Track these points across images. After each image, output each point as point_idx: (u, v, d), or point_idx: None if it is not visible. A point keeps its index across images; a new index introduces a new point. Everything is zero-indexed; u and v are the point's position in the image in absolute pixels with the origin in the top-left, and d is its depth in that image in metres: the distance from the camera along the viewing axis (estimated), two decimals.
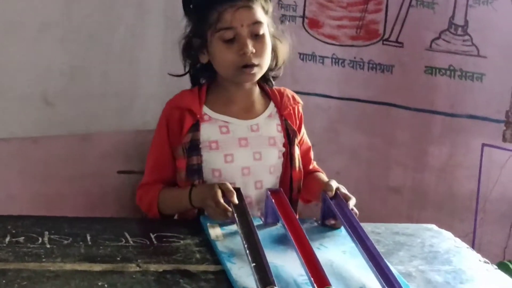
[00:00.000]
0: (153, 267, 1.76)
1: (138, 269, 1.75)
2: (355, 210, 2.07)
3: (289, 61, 2.31)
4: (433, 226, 2.28)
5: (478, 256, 2.04)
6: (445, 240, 2.16)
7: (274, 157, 2.23)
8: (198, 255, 1.86)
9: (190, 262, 1.81)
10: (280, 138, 2.25)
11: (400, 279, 1.73)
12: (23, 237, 1.88)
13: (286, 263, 1.80)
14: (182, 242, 1.94)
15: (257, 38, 2.15)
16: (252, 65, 2.13)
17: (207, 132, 2.19)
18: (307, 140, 2.39)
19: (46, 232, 1.92)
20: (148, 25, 4.31)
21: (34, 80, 3.98)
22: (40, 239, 1.88)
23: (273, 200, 2.07)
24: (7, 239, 1.86)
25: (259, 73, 2.18)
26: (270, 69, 2.25)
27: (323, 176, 2.34)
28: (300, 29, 4.26)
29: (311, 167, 2.37)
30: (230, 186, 2.05)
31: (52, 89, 4.04)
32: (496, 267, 1.97)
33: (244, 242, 1.81)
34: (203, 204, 2.09)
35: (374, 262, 1.76)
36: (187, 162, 2.18)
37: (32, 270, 1.69)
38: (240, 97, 2.24)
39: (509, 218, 4.09)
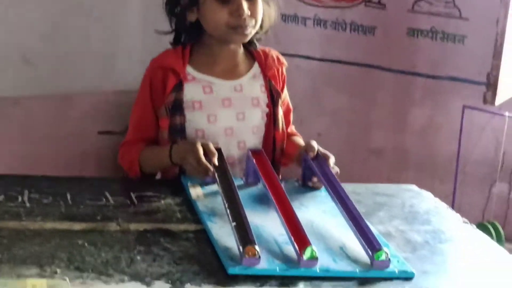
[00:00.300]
0: (133, 226, 1.76)
1: (118, 228, 1.75)
2: (336, 168, 2.08)
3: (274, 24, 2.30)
4: (413, 187, 2.29)
5: (458, 216, 2.05)
6: (425, 201, 2.17)
7: (257, 118, 2.23)
8: (178, 215, 1.86)
9: (170, 221, 1.81)
10: (263, 98, 2.24)
11: (380, 238, 1.74)
12: (2, 196, 1.87)
13: (267, 222, 1.80)
14: (162, 201, 1.94)
15: (251, 0, 2.14)
16: (246, 25, 2.13)
17: (190, 92, 2.18)
18: (289, 103, 2.38)
19: (26, 191, 1.92)
20: None
21: (13, 40, 3.94)
22: (20, 198, 1.87)
23: (254, 160, 2.07)
24: None
25: (251, 33, 2.17)
26: (256, 32, 2.23)
27: (300, 140, 2.33)
28: None
29: (289, 130, 2.37)
30: (212, 146, 2.04)
31: (32, 49, 4.01)
32: (475, 227, 1.98)
33: (225, 201, 1.82)
34: (183, 161, 2.08)
35: (354, 222, 1.77)
36: (170, 121, 2.17)
37: (12, 229, 1.69)
38: (224, 57, 2.23)
39: (489, 180, 4.12)
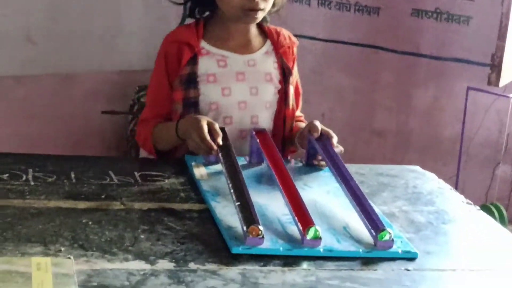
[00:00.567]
0: (137, 205, 1.76)
1: (122, 207, 1.75)
2: (340, 147, 2.08)
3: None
4: (417, 168, 2.29)
5: (461, 197, 2.06)
6: (428, 182, 2.17)
7: (270, 93, 2.24)
8: (182, 194, 1.86)
9: (174, 201, 1.81)
10: (276, 74, 2.26)
11: (383, 219, 1.74)
12: (6, 175, 1.87)
13: (271, 202, 1.80)
14: (166, 181, 1.94)
15: None
16: (259, 9, 2.14)
17: (205, 65, 2.20)
18: (299, 85, 2.39)
19: (30, 170, 1.92)
20: None
21: (16, 19, 3.93)
22: (24, 176, 1.88)
23: (257, 140, 2.07)
24: None
25: (261, 16, 2.20)
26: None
27: (302, 125, 2.32)
28: None
29: (297, 113, 2.37)
30: (217, 126, 2.04)
31: (34, 28, 4.01)
32: (478, 208, 1.99)
33: (229, 181, 1.82)
34: (187, 135, 2.07)
35: (357, 202, 1.77)
36: (184, 94, 2.18)
37: (16, 207, 1.69)
38: (238, 33, 2.24)
39: (492, 162, 4.12)
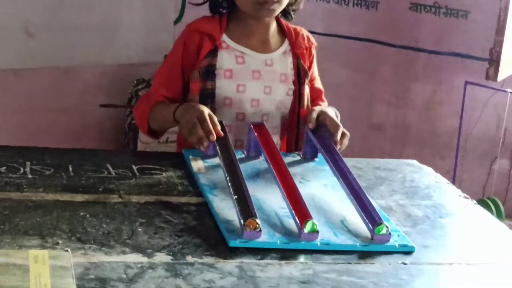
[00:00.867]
0: (135, 198, 1.76)
1: (120, 200, 1.75)
2: (345, 142, 2.09)
3: None
4: (414, 162, 2.29)
5: (458, 191, 2.06)
6: (425, 176, 2.17)
7: (283, 93, 2.25)
8: (180, 187, 1.86)
9: (172, 194, 1.82)
10: (291, 75, 2.26)
11: (381, 212, 1.74)
12: (4, 167, 1.87)
13: (268, 196, 1.80)
14: (164, 174, 1.94)
15: None
16: (272, 1, 2.14)
17: (223, 59, 2.20)
18: (319, 85, 2.39)
19: (28, 163, 1.92)
20: None
21: (16, 13, 3.93)
22: (21, 169, 1.88)
23: (255, 133, 2.07)
24: None
25: (278, 9, 2.19)
26: (289, 4, 2.25)
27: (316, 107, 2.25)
28: None
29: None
30: (216, 118, 2.03)
31: (34, 21, 4.00)
32: (475, 202, 1.99)
33: (226, 175, 1.82)
34: (186, 117, 2.03)
35: (355, 196, 1.77)
36: (202, 85, 2.19)
37: (13, 199, 1.69)
38: (258, 30, 2.25)
39: (490, 156, 4.13)
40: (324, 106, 2.30)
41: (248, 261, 1.52)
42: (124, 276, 1.40)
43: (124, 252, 1.49)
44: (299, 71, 2.27)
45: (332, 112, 2.17)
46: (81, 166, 1.94)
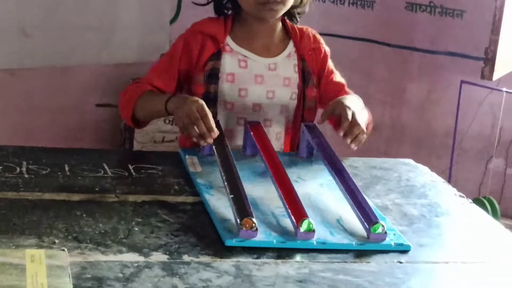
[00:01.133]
0: (131, 198, 1.76)
1: (116, 199, 1.75)
2: (359, 135, 2.00)
3: None
4: (410, 161, 2.30)
5: (454, 190, 2.06)
6: (421, 175, 2.18)
7: (286, 98, 2.23)
8: (176, 187, 1.87)
9: (168, 193, 1.82)
10: (295, 78, 2.23)
11: (376, 211, 1.75)
12: (0, 167, 1.87)
13: (264, 195, 1.81)
14: (160, 173, 1.95)
15: None
16: (274, 1, 2.11)
17: (226, 63, 2.18)
18: (339, 79, 2.34)
19: (24, 162, 1.92)
20: None
21: (12, 12, 3.93)
22: (18, 169, 1.88)
23: (251, 133, 2.07)
24: None
25: (281, 10, 2.15)
26: (294, 6, 2.23)
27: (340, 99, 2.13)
28: None
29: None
30: (211, 116, 1.95)
31: (30, 21, 4.00)
32: (471, 201, 1.99)
33: (223, 174, 1.82)
34: (178, 111, 1.97)
35: (351, 195, 1.77)
36: (205, 89, 2.17)
37: (10, 199, 1.69)
38: (263, 32, 2.22)
39: (485, 156, 4.13)
40: (346, 97, 2.16)
41: (245, 260, 1.52)
42: (120, 275, 1.40)
43: (120, 252, 1.49)
44: (304, 74, 2.24)
45: (352, 102, 2.10)
46: (78, 165, 1.94)
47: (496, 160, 4.08)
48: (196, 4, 2.30)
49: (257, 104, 2.20)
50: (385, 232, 1.64)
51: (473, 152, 4.15)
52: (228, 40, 2.20)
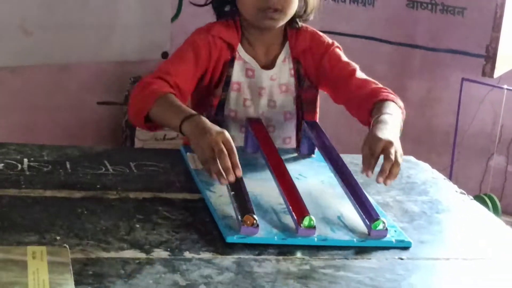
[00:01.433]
0: (132, 195, 1.77)
1: (117, 196, 1.75)
2: (394, 169, 1.76)
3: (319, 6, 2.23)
4: (411, 158, 2.30)
5: (455, 187, 2.06)
6: (422, 172, 2.18)
7: (289, 104, 2.22)
8: (177, 184, 1.87)
9: (169, 191, 1.82)
10: (292, 83, 2.21)
11: (377, 208, 1.75)
12: (2, 164, 1.87)
13: (265, 192, 1.81)
14: (162, 171, 1.95)
15: None
16: (275, 10, 2.07)
17: (236, 71, 2.16)
18: (348, 66, 2.24)
19: (26, 159, 1.92)
20: None
21: (12, 10, 3.92)
22: (19, 166, 1.88)
23: (252, 130, 2.07)
24: None
25: (281, 19, 2.11)
26: (298, 15, 2.19)
27: (379, 115, 2.02)
28: None
29: (373, 86, 2.22)
30: (235, 149, 1.76)
31: (30, 19, 3.99)
32: (472, 198, 1.99)
33: None
34: (198, 140, 1.79)
35: (352, 191, 1.78)
36: (220, 98, 2.15)
37: (11, 196, 1.69)
38: (263, 40, 2.18)
39: (486, 153, 4.13)
40: (379, 127, 1.93)
41: (246, 257, 1.52)
42: (122, 272, 1.40)
43: (122, 248, 1.50)
44: (299, 76, 2.22)
45: (387, 125, 1.91)
46: (79, 163, 1.94)
47: (497, 157, 4.09)
48: (194, 4, 2.27)
49: (260, 113, 2.20)
50: (386, 229, 1.64)
51: (474, 149, 4.15)
52: (239, 47, 2.17)
